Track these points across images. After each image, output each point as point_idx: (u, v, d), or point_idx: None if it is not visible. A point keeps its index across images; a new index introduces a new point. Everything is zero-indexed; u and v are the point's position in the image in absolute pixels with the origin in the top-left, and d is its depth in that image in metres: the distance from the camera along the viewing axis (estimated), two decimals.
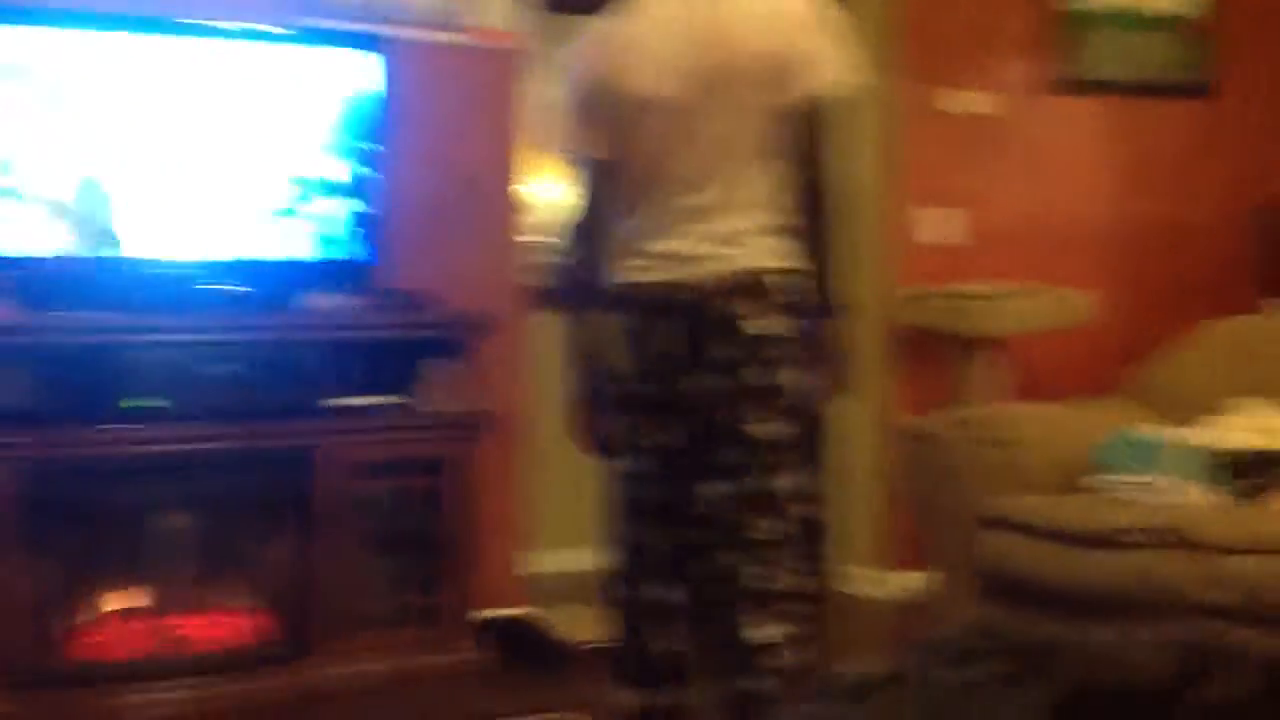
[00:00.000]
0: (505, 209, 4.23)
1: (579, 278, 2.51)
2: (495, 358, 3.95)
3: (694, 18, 2.37)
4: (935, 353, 4.57)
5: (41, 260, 3.40)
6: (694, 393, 2.35)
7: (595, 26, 2.47)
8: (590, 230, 2.50)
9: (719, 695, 2.37)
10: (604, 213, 2.48)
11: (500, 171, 4.21)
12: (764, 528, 2.35)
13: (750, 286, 2.35)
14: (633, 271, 2.40)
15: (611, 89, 2.40)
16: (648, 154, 2.39)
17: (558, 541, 5.00)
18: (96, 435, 3.31)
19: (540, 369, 4.38)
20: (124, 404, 3.32)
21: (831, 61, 2.39)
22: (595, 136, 2.45)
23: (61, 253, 3.41)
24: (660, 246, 2.38)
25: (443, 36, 4.08)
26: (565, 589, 4.49)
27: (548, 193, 7.89)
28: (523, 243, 4.30)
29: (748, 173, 2.38)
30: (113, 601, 3.49)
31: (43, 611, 3.33)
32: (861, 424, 4.67)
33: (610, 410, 2.45)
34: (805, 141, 2.40)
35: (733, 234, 2.36)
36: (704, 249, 2.35)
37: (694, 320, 2.34)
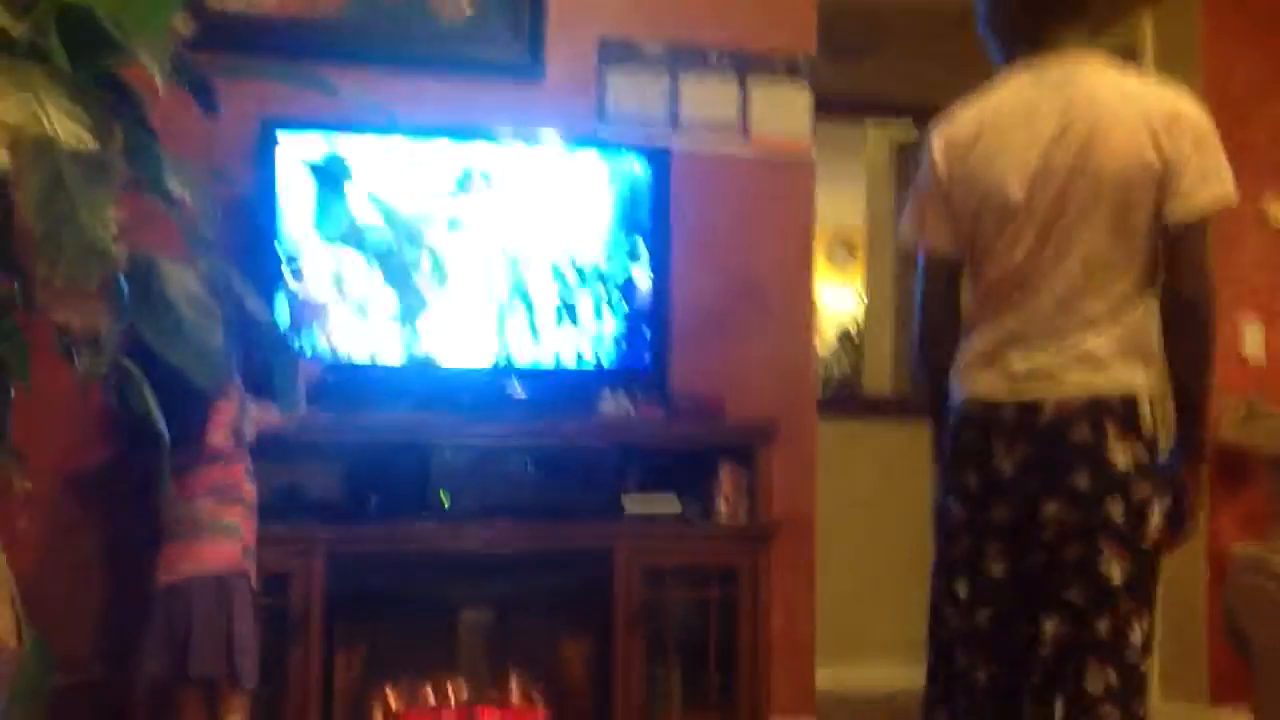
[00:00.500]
0: (795, 315, 4.20)
1: (924, 384, 2.42)
2: (786, 465, 3.90)
3: (1061, 112, 2.20)
4: (1255, 473, 4.28)
5: (354, 363, 3.54)
6: (1047, 522, 2.19)
7: (960, 110, 2.35)
8: (931, 334, 2.40)
9: None
10: (945, 315, 2.37)
11: (790, 278, 4.20)
12: (1107, 681, 2.15)
13: (1118, 413, 2.17)
14: (985, 385, 2.27)
15: (962, 181, 2.28)
16: (1005, 260, 2.24)
17: (843, 657, 4.89)
18: (402, 530, 3.40)
19: (827, 477, 4.31)
20: (433, 501, 3.40)
21: (1210, 174, 2.18)
22: (938, 229, 2.34)
23: (373, 356, 3.55)
24: (1018, 364, 2.22)
25: (732, 147, 4.12)
26: (852, 707, 4.37)
27: (837, 300, 7.91)
28: (813, 349, 4.26)
29: (1115, 289, 2.20)
30: (418, 694, 3.56)
31: (352, 701, 3.42)
32: (1182, 549, 4.38)
33: (951, 530, 2.34)
34: (1178, 260, 2.20)
35: (1097, 354, 2.18)
36: (1066, 369, 2.19)
37: (1053, 444, 2.18)
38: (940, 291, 2.37)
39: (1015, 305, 2.24)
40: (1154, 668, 4.49)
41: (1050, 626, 2.18)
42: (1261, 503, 4.22)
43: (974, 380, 2.28)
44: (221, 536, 2.91)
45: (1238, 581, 3.23)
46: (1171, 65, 4.57)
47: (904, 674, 5.12)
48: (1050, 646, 2.18)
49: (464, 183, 3.63)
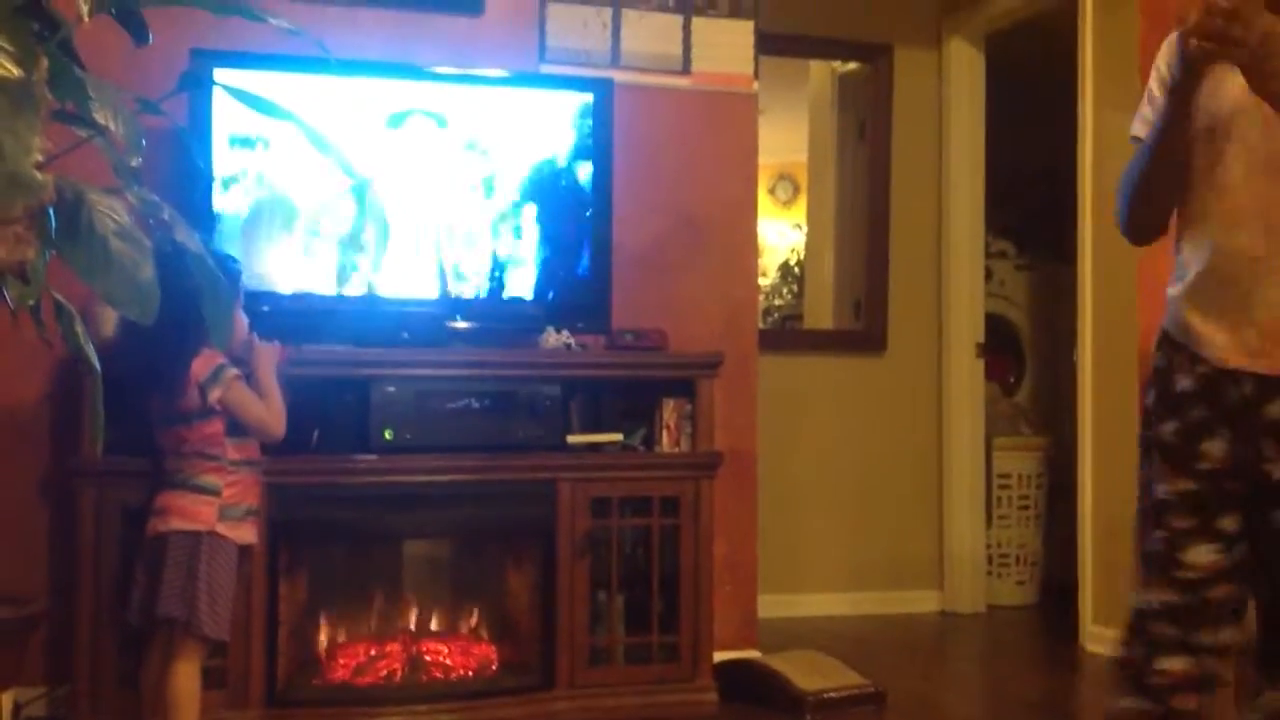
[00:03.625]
0: (737, 249, 4.23)
1: None
2: (728, 397, 3.94)
3: None
4: None
5: (299, 296, 3.53)
6: None
7: None
8: None
9: None
10: None
11: (732, 211, 4.22)
12: None
13: None
14: None
15: None
16: None
17: (783, 586, 4.97)
18: (344, 463, 3.41)
19: (769, 410, 4.36)
20: (375, 434, 3.40)
21: None
22: None
23: (317, 289, 3.54)
24: None
25: (675, 81, 4.12)
26: (792, 634, 4.46)
27: (780, 234, 7.93)
28: (755, 282, 4.29)
29: None
30: (363, 626, 3.59)
31: (298, 632, 3.45)
32: (1115, 478, 4.50)
33: None
34: None
35: None
36: None
37: None
38: None
39: None
40: (1087, 595, 4.60)
41: None
42: None
43: None
44: (199, 495, 2.93)
45: None
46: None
47: (841, 602, 5.24)
48: None
49: (402, 119, 3.61)
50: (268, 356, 3.08)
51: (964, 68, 5.54)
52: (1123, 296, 4.49)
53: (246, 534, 3.01)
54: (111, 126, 1.49)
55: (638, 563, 3.70)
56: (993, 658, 4.97)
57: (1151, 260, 4.43)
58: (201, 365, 2.92)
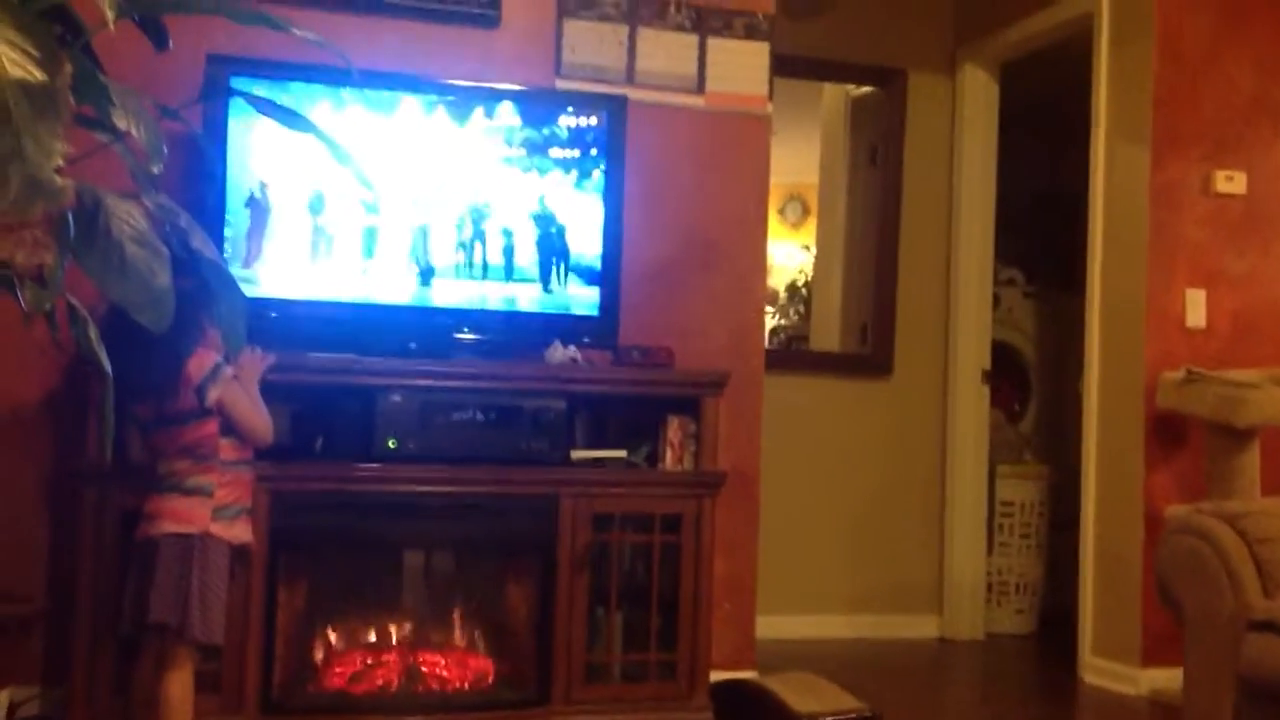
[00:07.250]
0: (746, 269, 4.23)
1: None
2: (732, 416, 3.93)
3: None
4: (1190, 439, 4.37)
5: (306, 303, 3.53)
6: None
7: None
8: None
9: None
10: None
11: (742, 232, 4.22)
12: None
13: None
14: None
15: None
16: None
17: (782, 606, 4.95)
18: (347, 471, 3.41)
19: (773, 430, 4.36)
20: (379, 443, 3.40)
21: None
22: None
23: (325, 296, 3.54)
24: None
25: (689, 100, 4.12)
26: (789, 655, 4.44)
27: (788, 256, 7.93)
28: (762, 303, 4.29)
29: None
30: (360, 634, 3.58)
31: (294, 640, 3.44)
32: (1117, 509, 4.49)
33: None
34: None
35: None
36: None
37: None
38: None
39: None
40: (1087, 626, 4.59)
41: None
42: (1197, 465, 4.31)
43: None
44: (191, 497, 2.90)
45: (1169, 544, 3.28)
46: (1127, 29, 4.61)
47: (840, 625, 5.23)
48: None
49: (418, 128, 3.62)
50: (252, 364, 3.07)
51: (978, 95, 5.55)
52: (1130, 327, 4.49)
53: (242, 533, 2.99)
54: (133, 132, 1.50)
55: (637, 580, 3.69)
56: (990, 686, 4.95)
57: (1160, 292, 4.45)
58: (197, 366, 2.90)
